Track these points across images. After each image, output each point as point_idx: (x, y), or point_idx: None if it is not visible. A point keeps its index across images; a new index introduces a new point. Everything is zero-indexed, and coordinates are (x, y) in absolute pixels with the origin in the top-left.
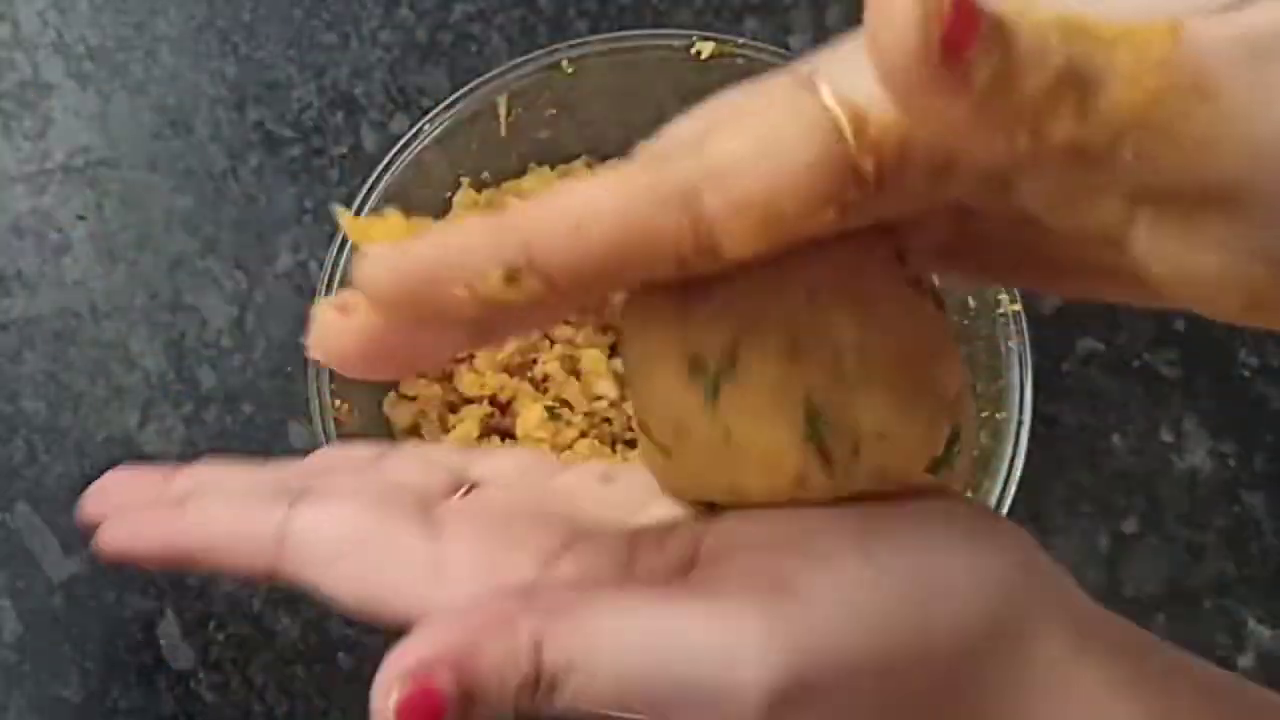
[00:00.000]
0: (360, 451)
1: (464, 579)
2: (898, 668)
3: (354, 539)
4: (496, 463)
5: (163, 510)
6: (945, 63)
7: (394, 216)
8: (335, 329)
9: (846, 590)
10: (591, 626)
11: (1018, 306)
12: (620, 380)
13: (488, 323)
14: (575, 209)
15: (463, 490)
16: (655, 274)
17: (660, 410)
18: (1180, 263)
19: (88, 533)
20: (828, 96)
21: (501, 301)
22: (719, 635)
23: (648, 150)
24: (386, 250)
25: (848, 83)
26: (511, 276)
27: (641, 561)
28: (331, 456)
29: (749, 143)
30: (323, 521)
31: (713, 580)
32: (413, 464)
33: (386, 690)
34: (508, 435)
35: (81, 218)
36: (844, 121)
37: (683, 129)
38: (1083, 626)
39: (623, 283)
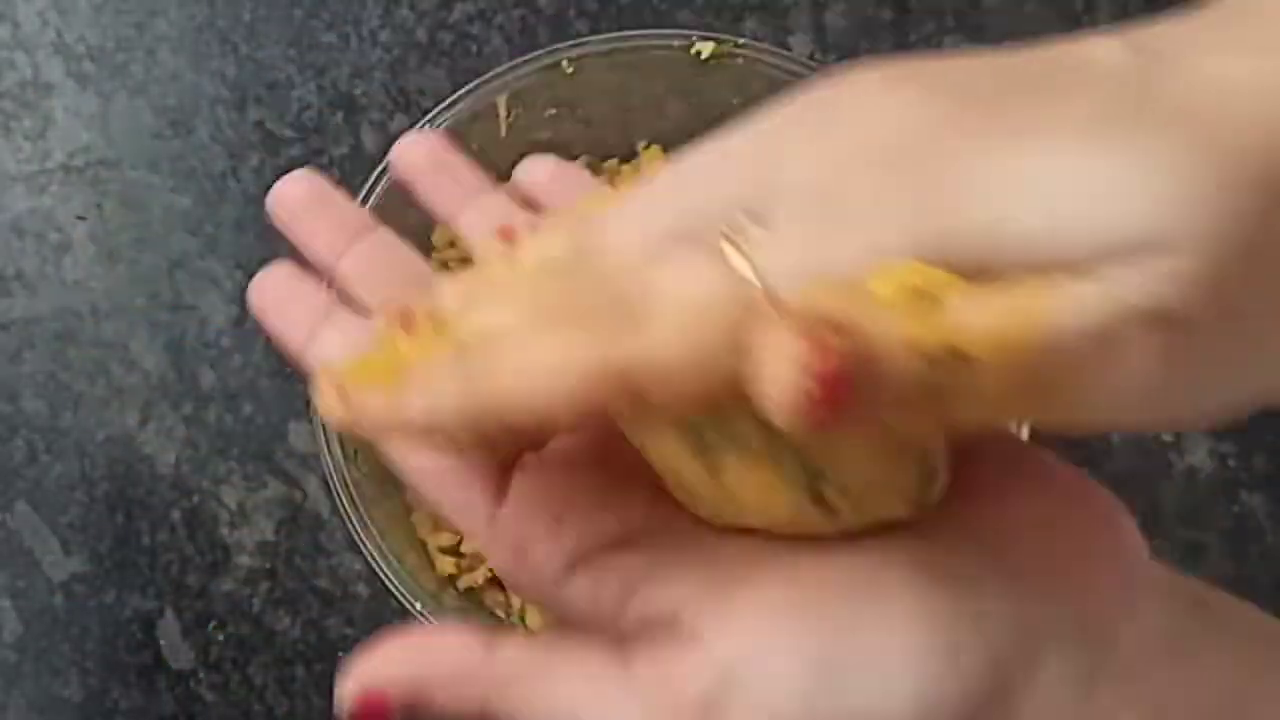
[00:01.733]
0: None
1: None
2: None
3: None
4: None
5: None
6: (824, 417)
7: (370, 359)
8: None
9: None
10: (530, 700)
11: None
12: None
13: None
14: (534, 385)
15: None
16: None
17: (665, 471)
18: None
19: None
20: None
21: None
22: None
23: (598, 291)
24: (367, 407)
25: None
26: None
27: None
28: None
29: (679, 343)
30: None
31: (638, 654)
32: None
33: (347, 692)
34: None
35: (81, 218)
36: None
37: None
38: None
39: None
